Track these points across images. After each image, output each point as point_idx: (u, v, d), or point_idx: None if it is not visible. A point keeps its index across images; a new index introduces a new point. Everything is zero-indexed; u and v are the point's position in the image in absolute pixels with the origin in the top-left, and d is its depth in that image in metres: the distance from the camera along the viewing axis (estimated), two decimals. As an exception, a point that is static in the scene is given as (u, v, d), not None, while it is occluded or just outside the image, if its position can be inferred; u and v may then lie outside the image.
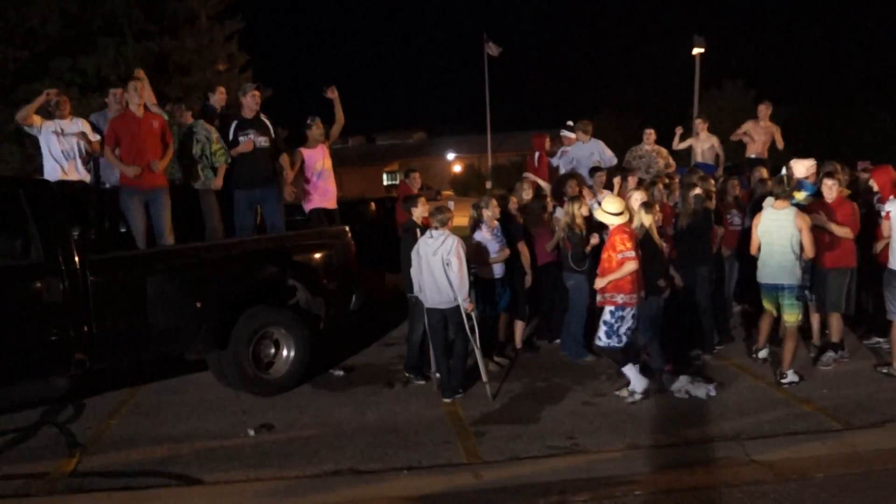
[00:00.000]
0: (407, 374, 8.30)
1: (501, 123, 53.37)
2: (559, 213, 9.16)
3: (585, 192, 9.77)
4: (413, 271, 7.73)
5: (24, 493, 5.76)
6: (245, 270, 7.89)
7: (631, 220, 7.68)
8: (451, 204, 8.45)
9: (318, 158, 9.60)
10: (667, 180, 9.75)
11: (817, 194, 8.80)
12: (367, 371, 8.83)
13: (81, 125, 8.76)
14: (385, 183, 65.66)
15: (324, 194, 9.69)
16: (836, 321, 8.27)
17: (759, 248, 8.04)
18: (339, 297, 8.56)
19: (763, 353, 8.53)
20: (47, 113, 8.68)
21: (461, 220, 8.83)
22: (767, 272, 7.99)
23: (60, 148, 8.51)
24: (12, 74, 19.75)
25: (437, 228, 7.50)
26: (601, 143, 11.75)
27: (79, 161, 8.64)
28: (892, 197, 8.07)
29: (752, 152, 12.63)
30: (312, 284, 8.36)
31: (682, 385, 7.59)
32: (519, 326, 9.08)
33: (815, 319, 8.87)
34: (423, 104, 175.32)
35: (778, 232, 7.83)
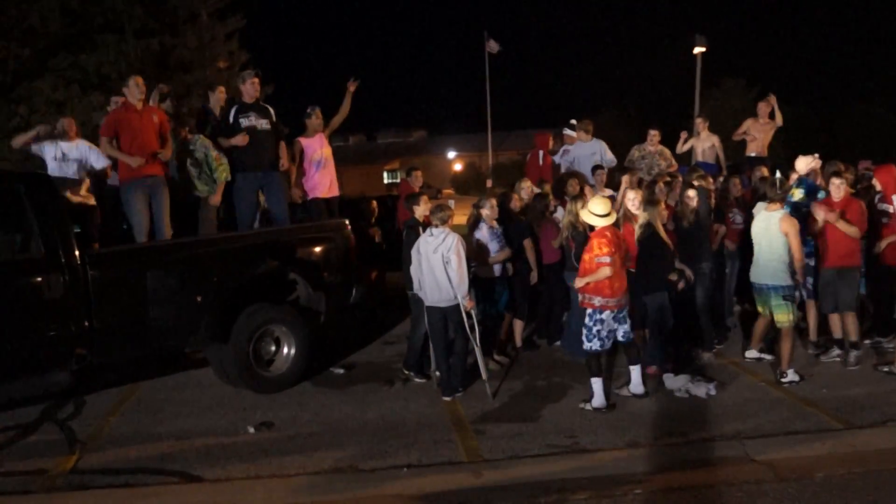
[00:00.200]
0: (406, 372, 8.30)
1: (502, 122, 53.28)
2: (560, 213, 9.15)
3: (587, 190, 9.76)
4: (413, 269, 7.73)
5: (24, 490, 5.76)
6: (245, 264, 7.91)
7: (617, 222, 7.61)
8: (451, 202, 8.46)
9: (316, 148, 9.62)
10: (668, 178, 9.75)
11: (813, 192, 8.82)
12: (367, 369, 8.83)
13: (87, 149, 8.52)
14: (385, 181, 65.67)
15: (323, 184, 9.70)
16: (851, 321, 8.23)
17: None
18: (339, 290, 8.57)
19: (752, 354, 8.52)
20: (52, 135, 8.48)
21: (463, 219, 8.84)
22: (756, 272, 8.08)
23: (60, 173, 8.22)
24: (13, 72, 19.73)
25: (437, 226, 7.50)
26: (603, 144, 11.76)
27: (82, 185, 8.43)
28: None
29: (752, 151, 12.64)
30: (313, 278, 8.38)
31: (682, 384, 7.59)
32: (518, 325, 9.08)
33: (812, 318, 8.90)
34: (423, 102, 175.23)
35: (766, 234, 7.89)
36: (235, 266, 7.82)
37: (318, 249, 8.47)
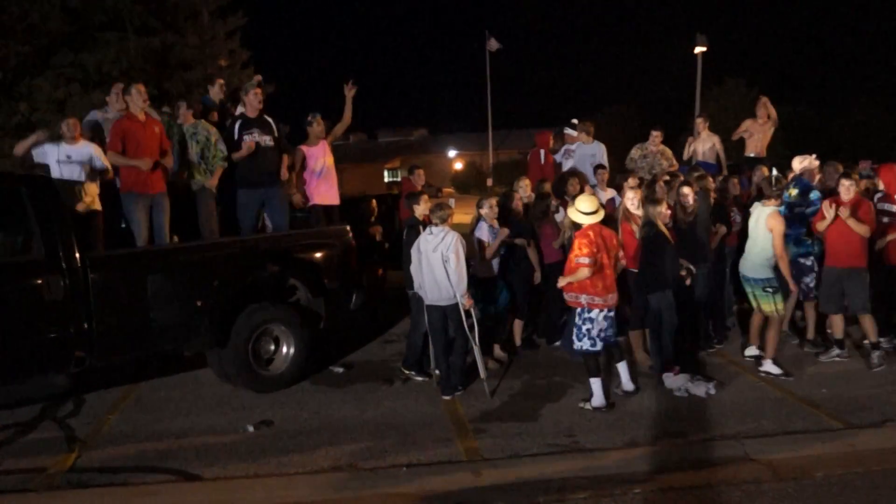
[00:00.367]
0: (406, 372, 8.30)
1: (503, 121, 53.34)
2: (562, 214, 9.13)
3: (588, 189, 9.75)
4: (413, 268, 7.74)
5: (23, 489, 5.75)
6: (245, 271, 7.90)
7: (605, 220, 7.55)
8: (451, 201, 8.46)
9: (319, 156, 9.59)
10: (667, 177, 9.75)
11: (807, 191, 8.83)
12: (366, 368, 8.83)
13: (92, 151, 8.41)
14: (386, 180, 65.64)
15: (325, 192, 9.68)
16: (869, 322, 8.23)
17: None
18: (339, 296, 8.57)
19: (751, 352, 8.54)
20: (53, 138, 8.41)
21: (463, 217, 8.83)
22: (744, 264, 8.30)
23: (64, 175, 8.17)
24: (13, 69, 19.72)
25: (437, 225, 7.50)
26: (602, 147, 11.75)
27: (86, 187, 8.34)
28: None
29: (751, 151, 12.63)
30: (313, 284, 8.38)
31: (681, 383, 7.59)
32: (518, 325, 9.07)
33: (810, 316, 8.91)
34: (424, 101, 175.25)
35: (755, 228, 8.09)
36: (235, 271, 7.81)
37: (318, 255, 8.46)
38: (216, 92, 10.00)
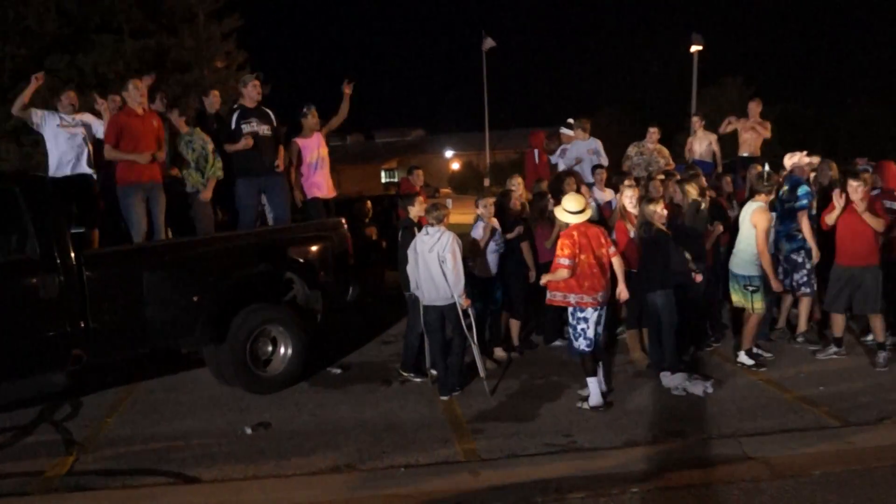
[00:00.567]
0: (403, 374, 8.29)
1: (500, 121, 53.44)
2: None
3: (584, 189, 9.75)
4: (410, 268, 7.74)
5: (21, 492, 5.75)
6: (242, 264, 7.90)
7: (591, 219, 7.54)
8: (448, 202, 8.46)
9: (313, 147, 9.60)
10: (662, 177, 9.76)
11: (796, 187, 8.84)
12: (364, 369, 8.82)
13: (91, 119, 8.73)
14: (383, 180, 65.69)
15: (320, 184, 9.69)
16: (878, 322, 8.24)
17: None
18: (336, 289, 8.57)
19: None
20: (54, 108, 8.59)
21: (461, 217, 8.83)
22: (732, 260, 8.39)
23: (67, 141, 8.41)
24: (10, 72, 19.73)
25: (433, 225, 7.49)
26: (599, 143, 11.74)
27: (85, 155, 8.54)
28: None
29: (744, 151, 12.64)
30: (309, 277, 8.37)
31: (679, 382, 7.59)
32: (515, 325, 9.07)
33: (802, 310, 8.93)
34: (421, 102, 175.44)
35: (742, 223, 8.19)
36: (232, 266, 7.81)
37: (314, 248, 8.45)
38: (211, 103, 9.97)
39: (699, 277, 8.15)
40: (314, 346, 8.48)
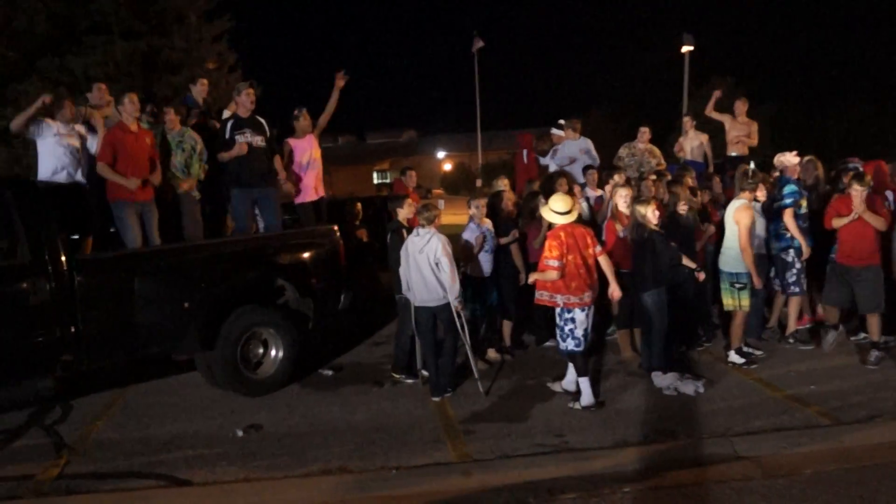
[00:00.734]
0: (395, 376, 8.28)
1: (491, 122, 53.54)
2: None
3: (577, 189, 9.76)
4: (402, 270, 7.73)
5: (11, 496, 5.73)
6: (233, 271, 7.88)
7: (577, 220, 7.49)
8: (441, 203, 8.45)
9: (306, 149, 9.61)
10: (654, 177, 9.77)
11: (782, 186, 8.88)
12: (356, 370, 8.82)
13: (85, 131, 8.74)
14: (375, 181, 65.68)
15: (311, 186, 9.70)
16: (875, 321, 8.30)
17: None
18: (328, 296, 8.55)
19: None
20: (50, 114, 8.56)
21: (453, 218, 8.83)
22: (720, 258, 8.47)
23: (63, 151, 8.38)
24: (0, 75, 19.66)
25: (423, 226, 7.49)
26: (590, 142, 11.75)
27: (80, 166, 8.53)
28: None
29: (732, 150, 12.67)
30: (301, 285, 8.35)
31: (670, 382, 7.60)
32: (507, 326, 9.07)
33: (792, 311, 8.97)
34: (413, 103, 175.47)
35: (727, 221, 8.30)
36: (223, 273, 7.79)
37: (306, 255, 8.44)
38: (199, 91, 9.97)
39: (702, 276, 8.18)
40: (305, 348, 8.47)
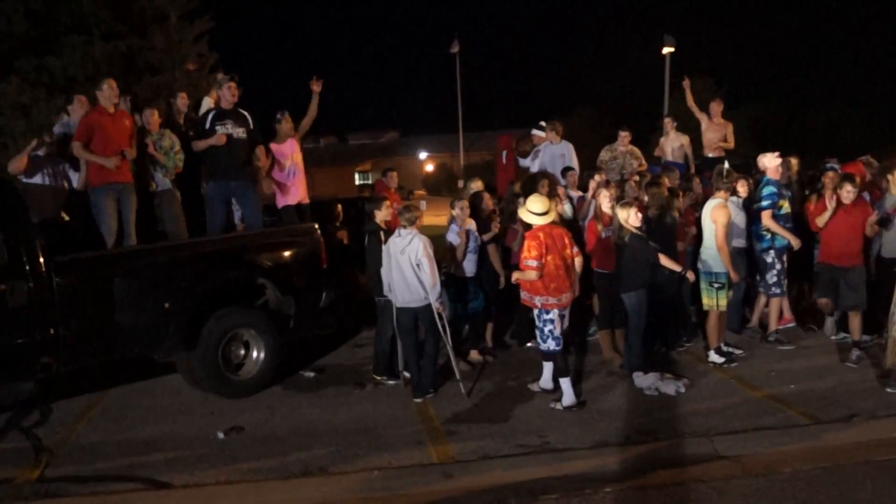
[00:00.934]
0: (377, 378, 8.27)
1: (473, 122, 53.30)
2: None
3: (560, 190, 9.76)
4: (383, 271, 7.71)
5: (-11, 500, 5.69)
6: (213, 270, 7.84)
7: (555, 221, 7.47)
8: (422, 204, 8.43)
9: (287, 153, 9.56)
10: (637, 178, 9.80)
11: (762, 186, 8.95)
12: (337, 372, 8.80)
13: (65, 165, 8.64)
14: (357, 182, 65.49)
15: (294, 190, 9.65)
16: (857, 320, 8.37)
17: None
18: (309, 294, 8.52)
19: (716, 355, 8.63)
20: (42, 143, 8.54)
21: (434, 219, 8.82)
22: (700, 258, 8.54)
23: (48, 183, 8.36)
24: (-22, 74, 19.53)
25: (405, 227, 7.47)
26: (571, 146, 11.73)
27: (62, 200, 8.52)
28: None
29: (709, 152, 12.72)
30: (282, 283, 8.31)
31: (651, 382, 7.63)
32: (488, 327, 9.08)
33: (773, 311, 9.04)
34: (395, 103, 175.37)
35: (704, 221, 8.40)
36: (203, 272, 7.75)
37: (286, 254, 8.41)
38: (179, 105, 9.91)
39: (692, 276, 8.25)
40: (287, 350, 8.45)
